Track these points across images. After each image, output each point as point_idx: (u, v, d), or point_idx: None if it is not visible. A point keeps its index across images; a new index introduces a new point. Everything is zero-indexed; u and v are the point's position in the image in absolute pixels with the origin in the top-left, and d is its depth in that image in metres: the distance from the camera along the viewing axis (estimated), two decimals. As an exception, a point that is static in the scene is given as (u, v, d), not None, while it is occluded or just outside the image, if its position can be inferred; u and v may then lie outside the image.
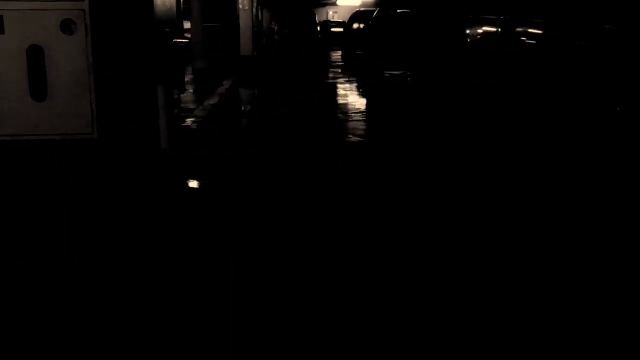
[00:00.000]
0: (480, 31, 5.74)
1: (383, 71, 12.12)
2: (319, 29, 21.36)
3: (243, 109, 8.13)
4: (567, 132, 4.47)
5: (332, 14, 35.17)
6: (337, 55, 20.14)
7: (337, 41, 23.04)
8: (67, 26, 3.61)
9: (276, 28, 21.33)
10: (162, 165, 3.82)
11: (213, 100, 7.62)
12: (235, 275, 2.56)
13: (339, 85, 10.81)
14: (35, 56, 3.61)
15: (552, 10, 4.83)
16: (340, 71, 14.01)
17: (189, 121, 5.89)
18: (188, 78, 10.74)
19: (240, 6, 16.90)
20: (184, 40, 4.26)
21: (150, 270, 2.60)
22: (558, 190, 3.80)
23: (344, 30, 21.04)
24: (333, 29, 25.64)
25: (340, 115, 7.27)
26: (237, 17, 12.32)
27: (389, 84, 10.67)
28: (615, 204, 3.49)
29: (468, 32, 5.95)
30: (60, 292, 2.36)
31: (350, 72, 13.39)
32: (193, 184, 4.02)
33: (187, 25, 12.04)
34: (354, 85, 10.80)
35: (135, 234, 3.03)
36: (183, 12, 12.41)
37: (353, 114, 7.15)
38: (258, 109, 8.13)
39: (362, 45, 15.27)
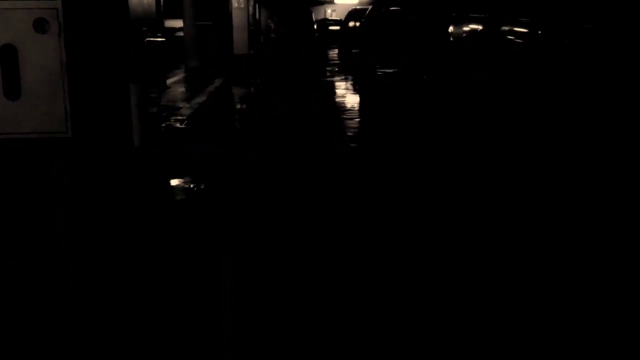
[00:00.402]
0: (463, 29, 5.74)
1: (376, 69, 12.14)
2: (315, 27, 21.35)
3: (231, 107, 8.11)
4: (549, 129, 4.48)
5: (330, 12, 35.19)
6: (334, 53, 20.14)
7: (334, 39, 23.05)
8: (40, 25, 3.62)
9: (272, 26, 21.31)
10: (135, 163, 3.83)
11: (201, 99, 7.63)
12: (212, 278, 2.56)
13: (334, 84, 10.80)
14: (8, 55, 3.62)
15: (535, 9, 4.83)
16: (336, 69, 14.01)
17: (172, 119, 5.89)
18: (180, 76, 10.77)
19: (236, 4, 16.91)
20: (158, 39, 4.26)
21: (121, 273, 2.60)
22: (550, 189, 3.79)
23: (340, 28, 21.04)
24: (331, 27, 25.68)
25: (329, 112, 7.26)
26: (230, 15, 12.30)
27: (382, 82, 10.67)
28: (607, 202, 3.49)
29: (451, 30, 5.95)
30: (30, 296, 2.36)
31: (346, 70, 13.39)
32: (166, 182, 4.02)
33: (179, 23, 12.08)
34: (349, 84, 10.78)
35: (99, 232, 3.03)
36: (164, 10, 12.45)
37: (344, 112, 7.15)
38: (248, 107, 8.11)
39: (358, 43, 15.27)
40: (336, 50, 20.93)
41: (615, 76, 3.76)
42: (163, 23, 4.47)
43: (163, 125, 5.62)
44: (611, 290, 2.42)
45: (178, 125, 5.60)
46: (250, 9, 20.51)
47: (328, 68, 14.35)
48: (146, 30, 4.21)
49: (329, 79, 11.72)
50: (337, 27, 23.72)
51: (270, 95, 9.16)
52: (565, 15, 4.19)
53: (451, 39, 5.88)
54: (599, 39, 3.90)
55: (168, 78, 10.15)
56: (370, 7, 14.88)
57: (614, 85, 3.63)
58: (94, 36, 3.67)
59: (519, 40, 5.04)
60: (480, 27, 5.33)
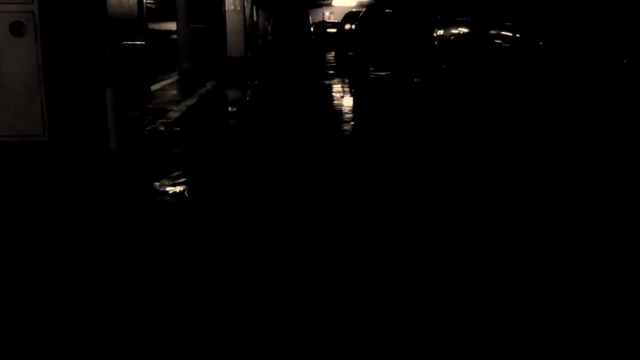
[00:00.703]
0: (447, 32, 5.75)
1: (369, 72, 12.15)
2: (312, 29, 21.40)
3: (218, 109, 8.10)
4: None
5: (329, 15, 35.28)
6: (331, 56, 20.18)
7: (332, 41, 23.12)
8: (16, 28, 3.63)
9: (269, 29, 21.35)
10: (111, 166, 3.84)
11: (190, 101, 7.63)
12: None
13: (328, 87, 10.80)
14: (-15, 58, 3.63)
15: (521, 13, 4.83)
16: (332, 72, 14.02)
17: (158, 122, 5.90)
18: (173, 79, 10.79)
19: (232, 7, 16.95)
20: (137, 43, 4.27)
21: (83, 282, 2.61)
22: (548, 186, 3.79)
23: (337, 30, 21.07)
24: (329, 30, 25.77)
25: (320, 115, 7.26)
26: (223, 17, 12.32)
27: (375, 86, 10.68)
28: (586, 201, 3.50)
29: (437, 33, 5.96)
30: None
31: (342, 73, 13.40)
32: (141, 185, 4.01)
33: (173, 26, 12.10)
34: (343, 87, 10.79)
35: (71, 235, 3.04)
36: (159, 12, 12.45)
37: (334, 115, 7.15)
38: (235, 109, 8.11)
39: (353, 46, 15.30)
40: (333, 53, 20.98)
41: (589, 77, 3.77)
42: (146, 26, 4.42)
43: (148, 128, 5.63)
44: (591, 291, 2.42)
45: (162, 128, 5.61)
46: (247, 11, 20.55)
47: (323, 71, 14.37)
48: (127, 34, 4.22)
49: (323, 82, 11.73)
50: (335, 30, 23.76)
51: (258, 98, 9.17)
52: (543, 18, 4.21)
53: (436, 42, 5.90)
54: (572, 41, 3.91)
55: (161, 80, 10.18)
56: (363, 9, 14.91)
57: (586, 86, 3.64)
58: (70, 40, 3.68)
59: (500, 43, 5.05)
60: (463, 30, 5.34)
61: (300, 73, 13.87)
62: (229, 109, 8.13)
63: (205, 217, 3.30)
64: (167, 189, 3.86)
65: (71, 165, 3.74)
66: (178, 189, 3.83)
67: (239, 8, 17.15)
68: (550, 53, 3.79)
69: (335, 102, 8.58)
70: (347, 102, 8.71)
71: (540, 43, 3.89)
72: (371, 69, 12.70)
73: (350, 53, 16.57)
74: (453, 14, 5.52)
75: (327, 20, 30.99)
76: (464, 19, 5.29)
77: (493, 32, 4.92)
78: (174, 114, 6.61)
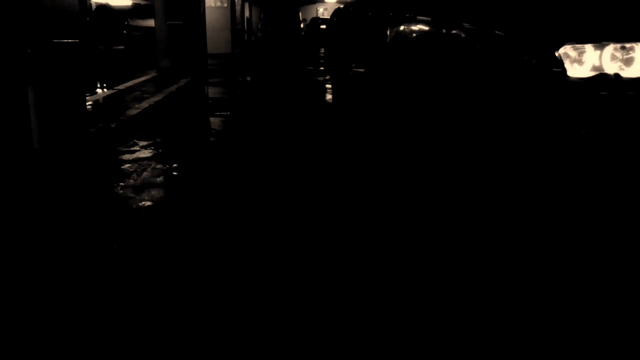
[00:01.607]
0: (398, 30, 5.72)
1: (350, 69, 12.10)
2: (302, 26, 21.38)
3: (181, 106, 8.08)
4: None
5: (322, 11, 35.23)
6: (322, 52, 20.15)
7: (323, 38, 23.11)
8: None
9: (259, 25, 21.33)
10: (33, 165, 3.83)
11: (155, 98, 7.62)
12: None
13: (312, 84, 10.79)
14: None
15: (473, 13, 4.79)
16: (321, 69, 14.00)
17: (113, 120, 5.89)
18: (149, 76, 10.79)
19: (218, 3, 16.95)
20: (69, 41, 4.24)
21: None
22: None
23: (326, 27, 21.05)
24: (321, 26, 25.78)
25: (295, 110, 7.25)
26: (202, 14, 12.31)
27: (353, 82, 10.66)
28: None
29: (391, 31, 5.93)
30: None
31: (328, 70, 13.38)
32: (55, 184, 4.01)
33: (151, 22, 12.10)
34: (326, 84, 10.78)
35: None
36: (143, 9, 12.35)
37: (311, 113, 7.14)
38: (198, 107, 8.10)
39: (338, 43, 15.25)
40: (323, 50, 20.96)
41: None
42: (86, 24, 4.41)
43: (100, 125, 5.63)
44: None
45: (113, 125, 5.61)
46: (238, 7, 20.52)
47: (311, 67, 14.35)
48: (61, 32, 4.21)
49: (309, 78, 11.72)
50: (326, 26, 23.74)
51: (229, 95, 9.16)
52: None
53: (388, 40, 5.87)
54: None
55: (137, 77, 10.18)
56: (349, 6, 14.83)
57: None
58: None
59: (448, 42, 5.02)
60: (410, 28, 5.31)
61: (287, 70, 13.84)
62: (192, 106, 8.14)
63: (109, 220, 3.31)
64: (92, 188, 3.86)
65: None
66: (106, 185, 3.83)
67: (225, 5, 17.16)
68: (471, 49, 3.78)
69: (314, 98, 8.59)
70: (328, 97, 8.73)
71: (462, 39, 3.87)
72: (353, 65, 12.65)
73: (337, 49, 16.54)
74: (402, 12, 5.49)
75: (320, 17, 30.98)
76: (410, 16, 5.26)
77: (444, 30, 4.90)
78: (133, 111, 6.60)
